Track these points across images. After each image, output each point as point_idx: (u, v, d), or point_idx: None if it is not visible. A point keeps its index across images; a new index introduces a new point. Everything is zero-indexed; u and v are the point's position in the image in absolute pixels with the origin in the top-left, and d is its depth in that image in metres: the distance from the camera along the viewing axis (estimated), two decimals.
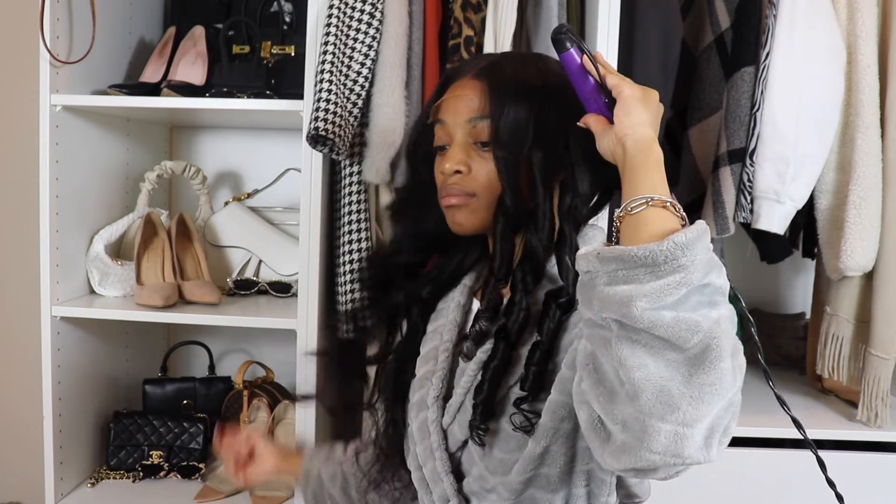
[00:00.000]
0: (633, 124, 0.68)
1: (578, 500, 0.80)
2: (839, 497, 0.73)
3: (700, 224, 0.59)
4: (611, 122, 0.70)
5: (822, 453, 0.71)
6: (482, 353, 0.81)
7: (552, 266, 0.80)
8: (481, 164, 0.81)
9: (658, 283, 0.56)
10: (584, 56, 0.72)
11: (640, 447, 0.56)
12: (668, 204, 0.62)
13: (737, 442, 1.33)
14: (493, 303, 0.81)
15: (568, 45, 0.72)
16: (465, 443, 0.83)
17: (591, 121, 0.72)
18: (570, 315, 0.76)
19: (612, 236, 0.65)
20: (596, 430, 0.62)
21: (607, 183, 0.82)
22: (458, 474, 0.85)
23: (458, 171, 0.81)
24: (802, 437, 0.72)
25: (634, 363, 0.56)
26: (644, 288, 0.56)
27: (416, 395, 0.89)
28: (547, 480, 0.78)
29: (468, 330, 0.84)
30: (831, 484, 0.73)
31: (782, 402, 0.70)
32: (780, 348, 1.73)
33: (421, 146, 0.89)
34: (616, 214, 0.64)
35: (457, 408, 0.83)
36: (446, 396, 0.86)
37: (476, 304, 0.90)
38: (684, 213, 0.63)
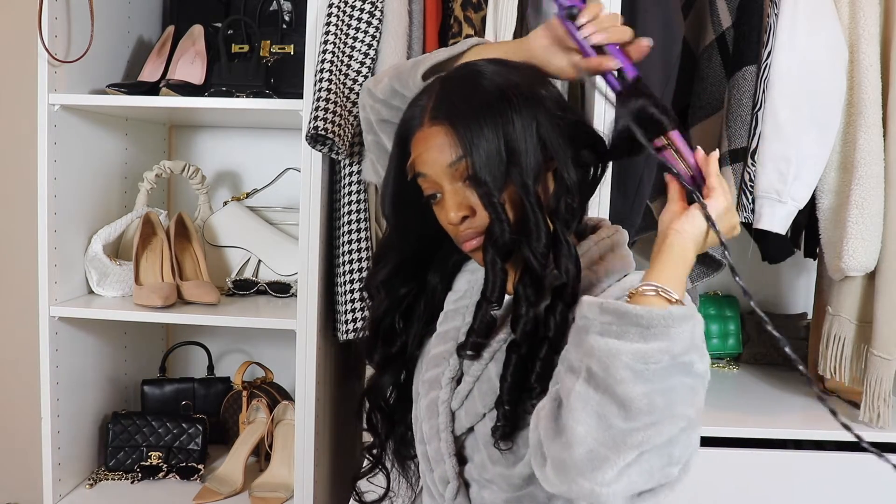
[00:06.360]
0: (690, 231, 0.70)
1: (581, 502, 0.79)
2: None
3: (696, 311, 0.65)
4: (690, 200, 0.73)
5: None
6: (495, 342, 0.82)
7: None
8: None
9: (644, 347, 0.61)
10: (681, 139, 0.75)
11: (564, 489, 0.65)
12: (675, 300, 0.66)
13: (738, 443, 1.32)
14: (487, 324, 0.81)
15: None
16: (470, 429, 0.85)
17: (672, 185, 0.74)
18: (573, 308, 0.76)
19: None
20: (537, 451, 0.68)
21: (592, 160, 0.83)
22: (460, 458, 0.86)
23: (464, 218, 0.79)
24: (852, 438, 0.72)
25: (581, 417, 0.62)
26: (631, 346, 0.61)
27: (430, 373, 0.89)
28: None
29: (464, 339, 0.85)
30: None
31: (808, 386, 0.69)
32: (782, 349, 1.72)
33: (406, 202, 0.86)
34: (630, 290, 0.68)
35: (465, 394, 0.84)
36: (459, 379, 0.87)
37: None
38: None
